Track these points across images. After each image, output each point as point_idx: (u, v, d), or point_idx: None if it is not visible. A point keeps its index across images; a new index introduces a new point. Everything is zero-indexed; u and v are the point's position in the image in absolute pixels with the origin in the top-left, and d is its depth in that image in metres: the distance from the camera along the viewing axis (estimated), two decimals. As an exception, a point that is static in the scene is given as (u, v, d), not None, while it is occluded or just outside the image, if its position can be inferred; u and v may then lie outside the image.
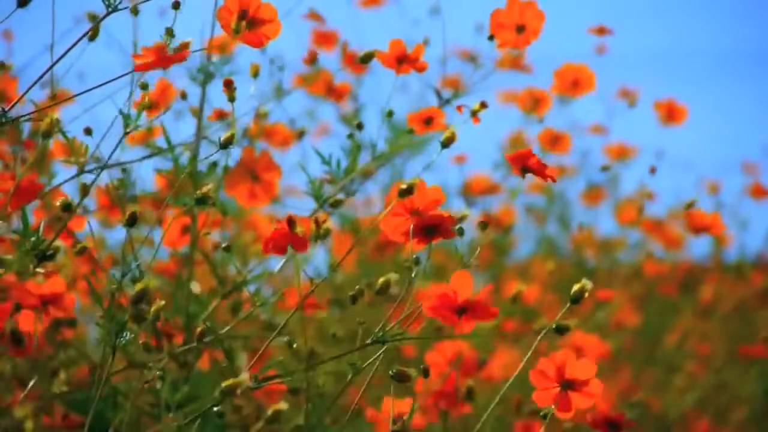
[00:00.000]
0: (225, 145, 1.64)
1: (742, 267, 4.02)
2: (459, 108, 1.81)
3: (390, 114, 1.98)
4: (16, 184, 1.66)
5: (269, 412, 1.58)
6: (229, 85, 1.79)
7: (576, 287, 1.57)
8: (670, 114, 3.10)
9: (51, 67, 1.68)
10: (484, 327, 2.47)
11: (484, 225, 1.60)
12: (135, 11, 1.61)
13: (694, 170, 4.04)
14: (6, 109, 1.65)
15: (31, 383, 1.94)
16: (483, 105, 1.86)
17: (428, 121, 1.85)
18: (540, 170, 1.58)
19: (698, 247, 4.12)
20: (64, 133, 1.77)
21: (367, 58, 1.93)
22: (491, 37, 1.91)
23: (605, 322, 3.34)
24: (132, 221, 1.59)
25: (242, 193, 2.01)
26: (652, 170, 2.69)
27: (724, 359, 3.61)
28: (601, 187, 3.98)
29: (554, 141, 2.93)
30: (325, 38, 2.74)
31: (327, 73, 2.52)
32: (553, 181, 1.59)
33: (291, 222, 1.63)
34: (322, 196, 2.03)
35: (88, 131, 1.93)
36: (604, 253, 4.03)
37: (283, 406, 1.57)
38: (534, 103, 2.64)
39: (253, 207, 2.10)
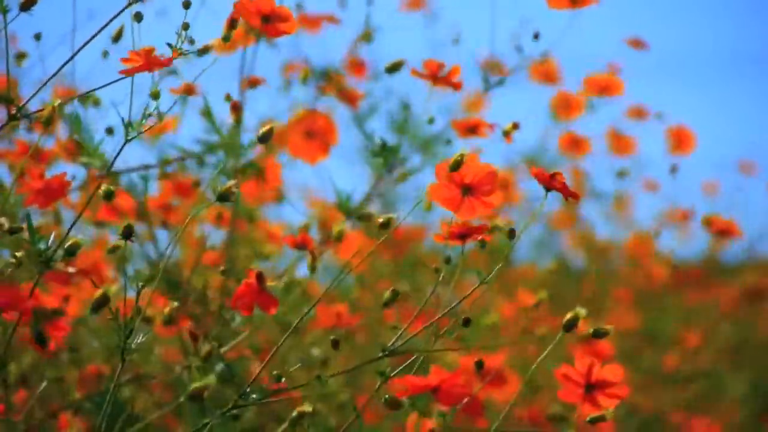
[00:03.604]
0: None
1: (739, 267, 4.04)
2: (491, 126, 1.80)
3: (431, 120, 1.98)
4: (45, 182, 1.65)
5: (294, 413, 1.56)
6: (236, 108, 1.78)
7: (569, 316, 1.55)
8: (680, 142, 3.11)
9: (65, 64, 1.67)
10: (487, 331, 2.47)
11: (512, 233, 1.56)
12: (138, 18, 1.59)
13: (692, 170, 4.03)
14: (19, 106, 1.64)
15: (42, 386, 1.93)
16: (515, 126, 1.85)
17: (472, 129, 1.84)
18: (563, 190, 1.56)
19: (694, 249, 4.12)
20: (80, 140, 1.76)
21: (395, 68, 1.93)
22: (536, 36, 1.93)
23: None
24: (128, 234, 1.56)
25: (299, 148, 2.02)
26: (674, 169, 2.70)
27: (718, 359, 3.63)
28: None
29: (575, 144, 2.92)
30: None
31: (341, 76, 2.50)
32: (577, 200, 1.57)
33: (260, 278, 1.60)
34: (349, 209, 2.02)
35: (110, 131, 1.93)
36: (602, 256, 4.04)
37: (307, 408, 1.55)
38: (565, 107, 2.64)
39: (310, 162, 2.11)
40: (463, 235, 1.54)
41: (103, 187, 1.54)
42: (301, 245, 1.87)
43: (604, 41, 3.20)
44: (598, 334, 1.55)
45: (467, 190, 1.54)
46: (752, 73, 5.14)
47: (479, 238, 1.53)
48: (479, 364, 1.60)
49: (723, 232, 2.38)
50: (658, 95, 3.31)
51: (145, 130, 1.59)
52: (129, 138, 1.60)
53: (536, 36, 2.11)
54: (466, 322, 1.54)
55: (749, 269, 4.10)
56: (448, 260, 1.54)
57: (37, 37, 1.88)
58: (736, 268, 4.14)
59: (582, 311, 1.54)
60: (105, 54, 1.91)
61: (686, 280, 4.02)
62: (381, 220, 1.57)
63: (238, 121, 1.80)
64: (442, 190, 1.54)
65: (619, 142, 3.50)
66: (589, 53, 3.10)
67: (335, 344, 1.61)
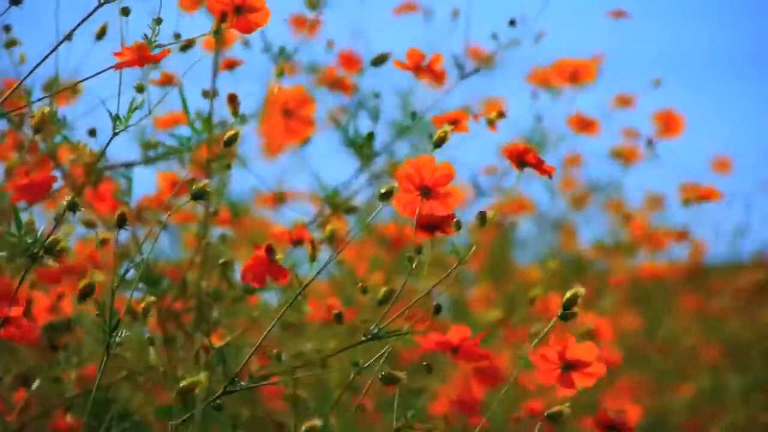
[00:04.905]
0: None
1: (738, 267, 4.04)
2: (475, 116, 1.81)
3: (414, 115, 1.99)
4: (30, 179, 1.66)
5: (304, 428, 1.58)
6: (233, 100, 1.78)
7: (568, 294, 1.53)
8: (668, 125, 3.10)
9: (38, 65, 1.67)
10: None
11: (482, 217, 1.54)
12: (125, 12, 1.60)
13: (689, 171, 4.03)
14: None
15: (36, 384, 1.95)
16: (500, 114, 1.86)
17: (454, 123, 1.84)
18: (538, 165, 1.55)
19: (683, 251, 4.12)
20: (66, 136, 1.78)
21: (380, 60, 1.95)
22: (512, 22, 1.95)
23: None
24: (121, 223, 1.57)
25: (277, 130, 1.99)
26: (650, 142, 2.71)
27: (718, 361, 3.63)
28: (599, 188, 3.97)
29: (584, 125, 2.88)
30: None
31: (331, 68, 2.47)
32: (551, 176, 1.56)
33: (270, 250, 1.61)
34: (336, 203, 2.03)
35: (92, 133, 1.94)
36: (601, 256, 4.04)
37: (317, 423, 1.56)
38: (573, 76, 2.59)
39: (290, 143, 2.08)
40: (430, 227, 1.54)
41: (67, 197, 1.55)
42: (297, 241, 1.88)
43: (602, 40, 3.21)
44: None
45: (426, 191, 1.53)
46: (751, 75, 5.15)
47: (448, 231, 1.54)
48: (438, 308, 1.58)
49: (703, 197, 2.41)
50: (657, 95, 3.31)
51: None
52: (116, 131, 1.61)
53: (512, 23, 2.12)
54: (438, 309, 1.54)
55: (750, 269, 4.11)
56: (419, 250, 1.53)
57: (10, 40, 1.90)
58: (736, 268, 4.14)
59: (582, 290, 1.52)
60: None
61: (687, 279, 4.03)
62: (382, 189, 1.55)
63: (236, 113, 1.79)
64: (401, 196, 1.53)
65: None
66: (586, 51, 3.12)
67: (338, 318, 1.62)
